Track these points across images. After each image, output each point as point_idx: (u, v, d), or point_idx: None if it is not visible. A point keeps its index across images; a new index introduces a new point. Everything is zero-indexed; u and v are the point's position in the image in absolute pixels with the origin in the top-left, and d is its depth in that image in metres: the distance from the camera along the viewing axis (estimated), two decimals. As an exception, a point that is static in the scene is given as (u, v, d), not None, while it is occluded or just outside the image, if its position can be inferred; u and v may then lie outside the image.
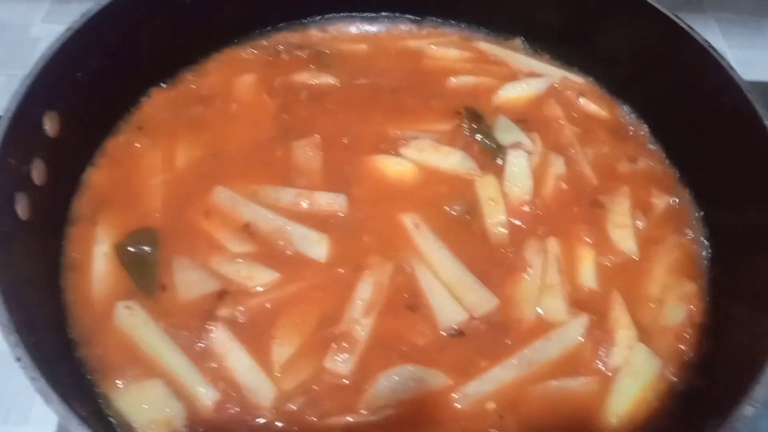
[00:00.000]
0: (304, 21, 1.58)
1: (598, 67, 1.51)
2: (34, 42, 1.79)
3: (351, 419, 1.03)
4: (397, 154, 1.35)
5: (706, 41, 1.26)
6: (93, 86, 1.26)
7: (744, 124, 1.18)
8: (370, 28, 1.61)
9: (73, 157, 1.27)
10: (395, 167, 1.33)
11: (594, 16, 1.45)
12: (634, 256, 1.24)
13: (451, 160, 1.34)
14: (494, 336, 1.12)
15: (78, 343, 1.10)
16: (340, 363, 1.07)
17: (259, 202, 1.25)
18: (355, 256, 1.20)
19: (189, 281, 1.16)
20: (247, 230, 1.22)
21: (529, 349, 1.10)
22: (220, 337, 1.09)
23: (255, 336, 1.10)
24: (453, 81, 1.50)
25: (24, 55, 1.65)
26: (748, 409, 0.88)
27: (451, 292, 1.16)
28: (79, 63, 1.22)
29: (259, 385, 1.05)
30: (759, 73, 1.69)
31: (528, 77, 1.51)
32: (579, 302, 1.17)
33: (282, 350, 1.09)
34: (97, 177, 1.29)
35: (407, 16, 1.62)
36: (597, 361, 1.10)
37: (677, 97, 1.36)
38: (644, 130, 1.45)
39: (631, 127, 1.46)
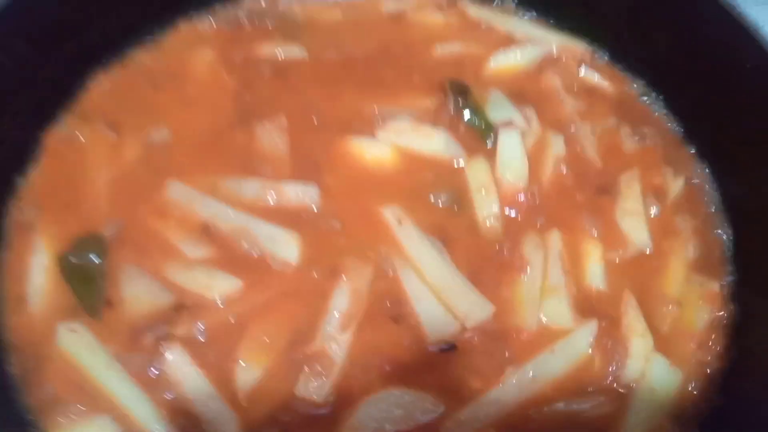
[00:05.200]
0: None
1: (599, 30, 1.34)
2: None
3: (328, 455, 0.91)
4: (373, 136, 1.19)
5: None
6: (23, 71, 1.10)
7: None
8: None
9: (4, 155, 1.11)
10: (372, 152, 1.18)
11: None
12: (647, 250, 1.10)
13: (435, 143, 1.18)
14: (490, 348, 0.99)
15: (14, 376, 0.96)
16: (315, 389, 0.94)
17: (218, 197, 1.11)
18: (330, 257, 1.06)
19: (138, 294, 1.02)
20: (206, 231, 1.08)
21: (531, 366, 0.96)
22: (176, 361, 0.96)
23: (217, 358, 0.98)
24: (436, 50, 1.33)
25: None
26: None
27: (440, 299, 1.02)
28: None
29: (221, 418, 0.93)
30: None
31: (521, 44, 1.34)
32: (586, 306, 1.03)
33: (248, 374, 0.96)
34: (34, 176, 1.14)
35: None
36: (608, 377, 0.96)
37: (691, 61, 1.19)
38: (654, 100, 1.28)
39: (641, 98, 1.29)
